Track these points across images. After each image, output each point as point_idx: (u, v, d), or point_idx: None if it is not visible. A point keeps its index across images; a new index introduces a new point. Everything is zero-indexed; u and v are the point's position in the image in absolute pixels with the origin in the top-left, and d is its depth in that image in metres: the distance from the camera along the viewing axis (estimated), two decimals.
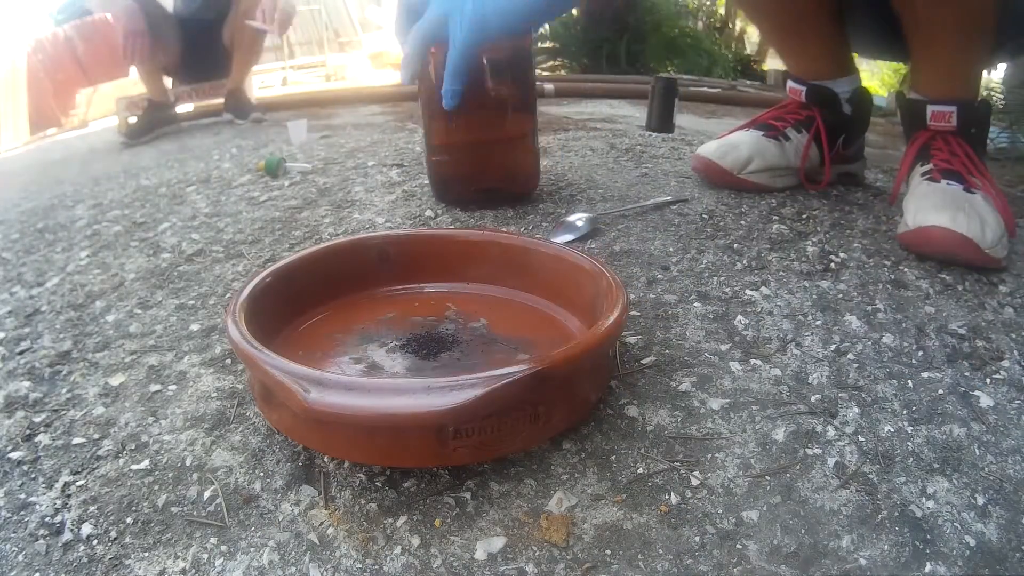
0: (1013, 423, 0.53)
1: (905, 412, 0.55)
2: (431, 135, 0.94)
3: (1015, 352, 0.62)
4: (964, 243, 0.74)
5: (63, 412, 0.59)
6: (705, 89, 2.71)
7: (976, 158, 0.85)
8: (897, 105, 1.00)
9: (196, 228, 1.01)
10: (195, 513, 0.46)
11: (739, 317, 0.68)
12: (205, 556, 0.43)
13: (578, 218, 0.88)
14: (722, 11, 5.48)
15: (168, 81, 2.20)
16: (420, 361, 0.58)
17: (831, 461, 0.49)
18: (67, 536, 0.45)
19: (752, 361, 0.61)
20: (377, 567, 0.42)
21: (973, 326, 0.67)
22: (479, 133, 0.92)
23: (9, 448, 0.54)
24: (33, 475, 0.51)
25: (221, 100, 2.19)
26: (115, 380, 0.63)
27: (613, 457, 0.50)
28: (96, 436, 0.55)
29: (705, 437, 0.52)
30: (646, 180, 1.10)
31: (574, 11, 3.94)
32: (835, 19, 0.99)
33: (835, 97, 1.01)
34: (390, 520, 0.45)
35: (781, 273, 0.77)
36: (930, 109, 0.87)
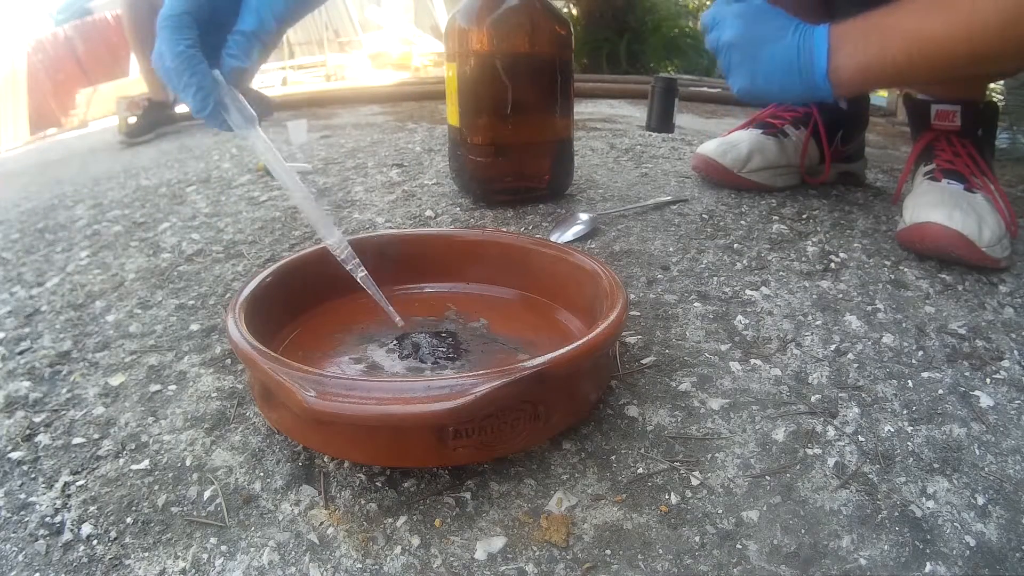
0: (1013, 423, 0.53)
1: (905, 412, 0.55)
2: (472, 136, 0.93)
3: (1015, 352, 0.62)
4: (959, 240, 0.74)
5: (63, 412, 0.59)
6: (705, 89, 2.71)
7: (981, 160, 0.85)
8: (904, 105, 0.99)
9: (196, 228, 1.01)
10: (195, 513, 0.46)
11: (739, 317, 0.68)
12: (205, 556, 0.43)
13: (578, 218, 0.89)
14: None
15: None
16: (420, 361, 0.58)
17: (831, 461, 0.49)
18: (67, 536, 0.45)
19: (752, 361, 0.61)
20: (377, 567, 0.42)
21: (973, 326, 0.67)
22: (529, 135, 0.93)
23: (9, 448, 0.54)
24: (33, 475, 0.51)
25: None
26: (115, 380, 0.63)
27: (613, 457, 0.50)
28: (96, 436, 0.55)
29: (705, 437, 0.52)
30: (646, 180, 1.10)
31: (574, 11, 3.94)
32: (825, 13, 0.99)
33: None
34: (390, 520, 0.45)
35: (781, 273, 0.77)
36: (934, 108, 0.87)
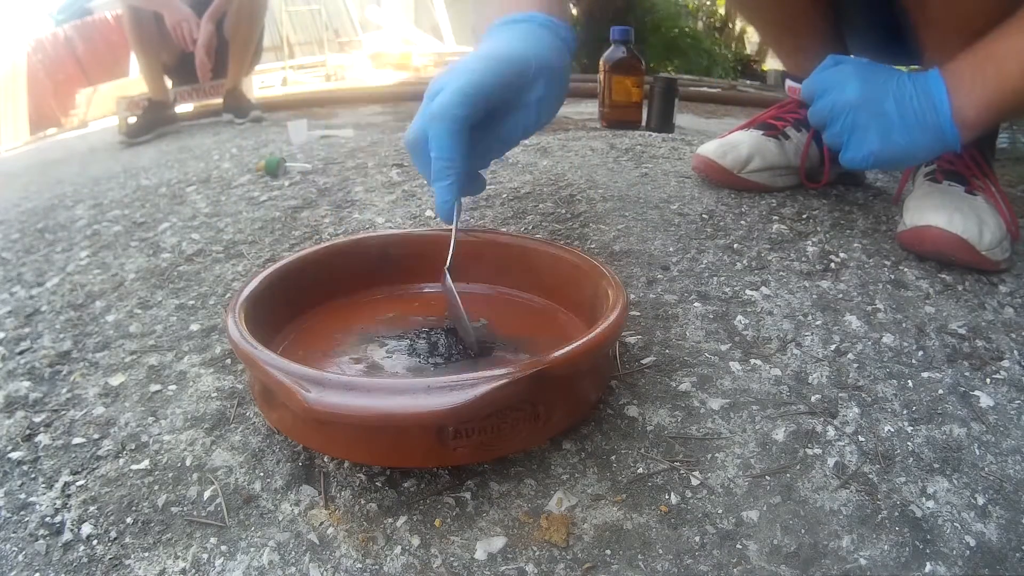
0: (1013, 423, 0.53)
1: (905, 412, 0.55)
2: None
3: (1015, 352, 0.62)
4: (959, 243, 0.74)
5: (63, 412, 0.59)
6: (705, 89, 2.71)
7: (982, 161, 0.85)
8: None
9: (196, 228, 1.01)
10: (195, 513, 0.46)
11: (739, 317, 0.68)
12: (205, 556, 0.43)
13: None
14: (722, 11, 5.49)
15: (168, 81, 2.20)
16: (420, 361, 0.58)
17: (831, 461, 0.49)
18: (67, 536, 0.45)
19: (752, 361, 0.61)
20: (377, 567, 0.42)
21: (973, 326, 0.67)
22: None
23: (9, 448, 0.54)
24: (33, 475, 0.51)
25: (221, 100, 2.19)
26: (115, 380, 0.63)
27: (613, 457, 0.50)
28: (96, 436, 0.55)
29: (705, 437, 0.52)
30: (646, 180, 1.10)
31: (574, 11, 3.95)
32: (829, 17, 0.99)
33: None
34: (390, 520, 0.45)
35: (781, 273, 0.77)
36: None
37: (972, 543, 0.43)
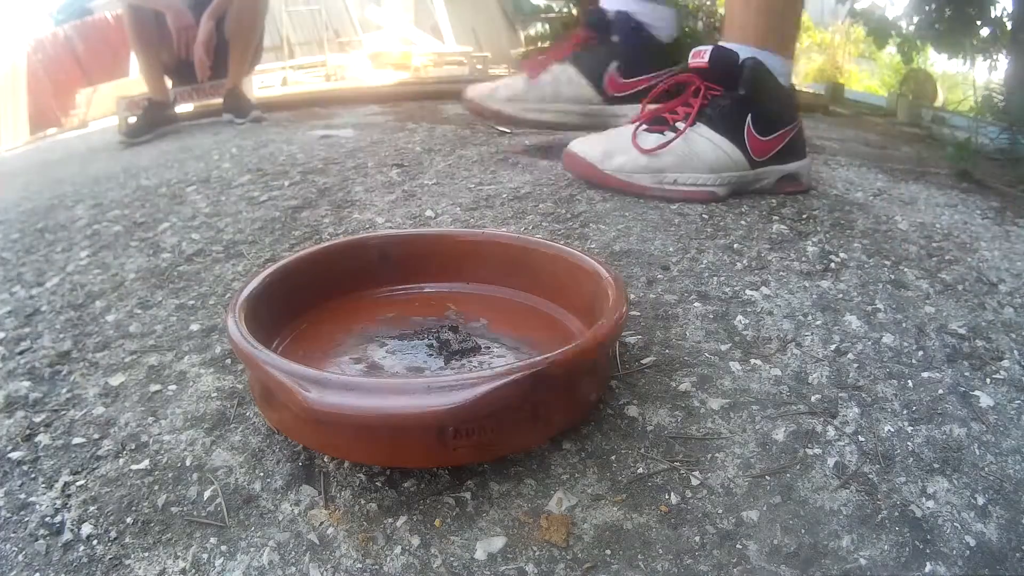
0: (1013, 423, 0.53)
1: (905, 412, 0.55)
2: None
3: (1015, 352, 0.62)
4: (585, 166, 0.95)
5: (63, 412, 0.59)
6: None
7: (718, 114, 0.93)
8: None
9: (196, 228, 1.01)
10: (195, 513, 0.46)
11: (739, 317, 0.68)
12: (205, 556, 0.43)
13: None
14: (722, 11, 5.48)
15: (168, 81, 2.20)
16: (420, 361, 0.58)
17: (831, 461, 0.49)
18: (67, 536, 0.45)
19: (752, 361, 0.61)
20: (377, 567, 0.42)
21: (973, 326, 0.67)
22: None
23: (9, 448, 0.54)
24: (33, 475, 0.51)
25: (221, 100, 2.19)
26: (115, 380, 0.63)
27: (613, 457, 0.50)
28: (96, 436, 0.55)
29: (705, 437, 0.52)
30: None
31: (574, 11, 3.94)
32: None
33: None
34: (390, 520, 0.45)
35: (781, 273, 0.77)
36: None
37: (972, 543, 0.43)
